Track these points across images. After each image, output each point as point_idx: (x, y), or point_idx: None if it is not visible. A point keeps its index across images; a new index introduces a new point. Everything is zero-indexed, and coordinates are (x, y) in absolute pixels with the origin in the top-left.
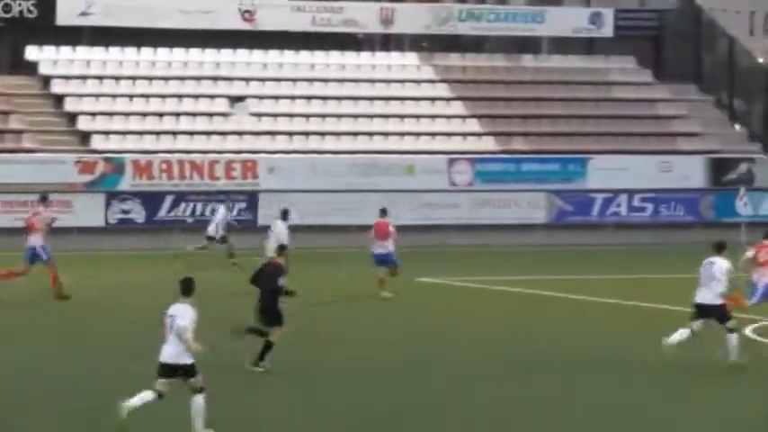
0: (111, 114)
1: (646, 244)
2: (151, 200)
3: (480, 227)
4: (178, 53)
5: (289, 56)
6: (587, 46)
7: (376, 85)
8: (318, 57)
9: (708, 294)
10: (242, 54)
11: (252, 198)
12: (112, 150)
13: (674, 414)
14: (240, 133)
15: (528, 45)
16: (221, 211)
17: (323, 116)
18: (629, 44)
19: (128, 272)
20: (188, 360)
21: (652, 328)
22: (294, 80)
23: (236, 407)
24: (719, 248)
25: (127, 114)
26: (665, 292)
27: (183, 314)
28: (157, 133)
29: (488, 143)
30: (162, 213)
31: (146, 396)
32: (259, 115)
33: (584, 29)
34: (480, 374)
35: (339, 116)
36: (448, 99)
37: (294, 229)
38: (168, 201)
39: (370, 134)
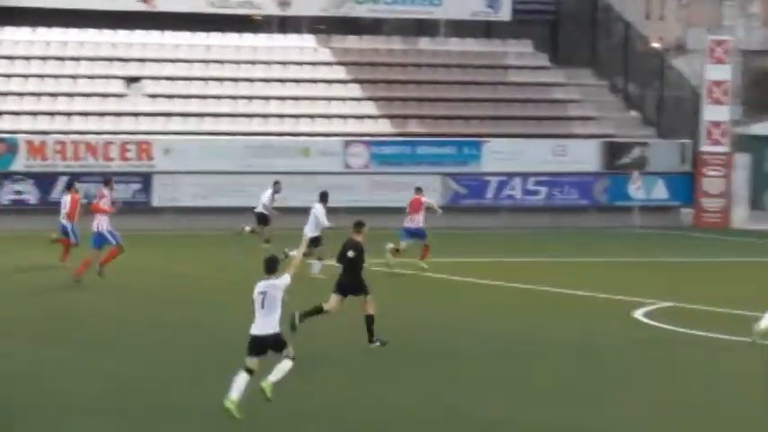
0: (4, 94)
1: (540, 227)
2: (44, 181)
3: (376, 209)
4: (74, 33)
5: (185, 37)
6: (484, 29)
7: (273, 67)
8: (215, 38)
9: None
10: (138, 35)
11: (146, 180)
12: (6, 131)
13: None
14: (135, 114)
15: (425, 28)
16: (268, 191)
17: (219, 98)
18: (526, 28)
19: (19, 253)
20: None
21: (549, 310)
22: (190, 61)
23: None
24: None
25: (21, 95)
26: (559, 275)
27: (274, 284)
28: (52, 114)
29: (384, 126)
30: (55, 195)
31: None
32: (155, 96)
33: (482, 12)
34: (392, 365)
35: (235, 98)
36: (344, 81)
37: (191, 211)
38: (62, 182)
39: (266, 116)
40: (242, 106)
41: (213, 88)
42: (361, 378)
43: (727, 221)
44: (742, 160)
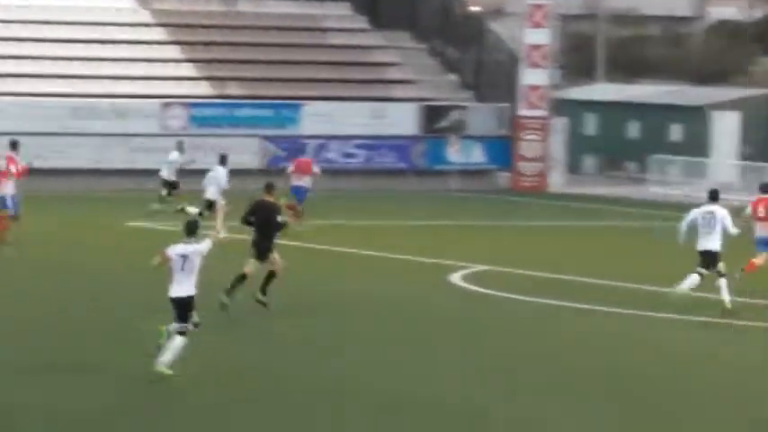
0: None
1: (358, 190)
2: None
3: (194, 172)
4: None
5: None
6: None
7: (91, 27)
8: None
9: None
10: None
11: None
12: None
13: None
14: None
15: None
16: (174, 154)
17: (36, 58)
18: None
19: None
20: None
21: (364, 273)
22: (6, 22)
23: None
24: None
25: None
26: (375, 238)
27: (196, 249)
28: None
29: (204, 88)
30: None
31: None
32: None
33: None
34: None
35: (53, 59)
36: (164, 43)
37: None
38: None
39: (84, 77)
40: (60, 67)
41: (30, 48)
42: None
43: (544, 185)
44: (559, 124)
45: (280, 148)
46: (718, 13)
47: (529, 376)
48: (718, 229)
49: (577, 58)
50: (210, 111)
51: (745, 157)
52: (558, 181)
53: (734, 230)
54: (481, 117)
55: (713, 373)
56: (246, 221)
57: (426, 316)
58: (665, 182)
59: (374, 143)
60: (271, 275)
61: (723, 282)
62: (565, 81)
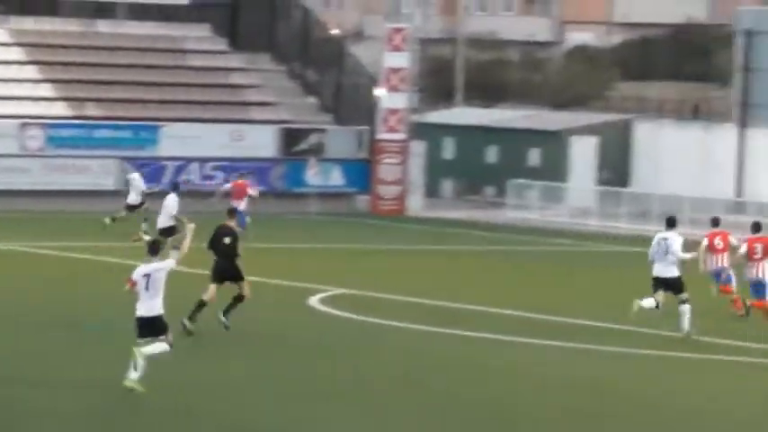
0: None
1: (217, 212)
2: None
3: (52, 193)
4: None
5: None
6: (163, 13)
7: None
8: None
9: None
10: None
11: None
12: None
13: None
14: None
15: (103, 10)
16: (136, 176)
17: None
18: (206, 12)
19: None
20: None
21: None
22: None
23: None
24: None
25: None
26: None
27: (158, 267)
28: None
29: (61, 108)
30: None
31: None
32: None
33: None
34: None
35: None
36: (22, 63)
37: None
38: None
39: None
40: None
41: None
42: None
43: (402, 209)
44: (418, 148)
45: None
46: (577, 38)
47: (370, 399)
48: (671, 256)
49: (437, 81)
50: (68, 132)
51: (602, 182)
52: (416, 205)
53: (683, 256)
54: (340, 140)
55: (570, 397)
56: (210, 246)
57: (281, 338)
58: (523, 206)
59: (233, 165)
60: (238, 299)
61: (685, 308)
62: (424, 105)
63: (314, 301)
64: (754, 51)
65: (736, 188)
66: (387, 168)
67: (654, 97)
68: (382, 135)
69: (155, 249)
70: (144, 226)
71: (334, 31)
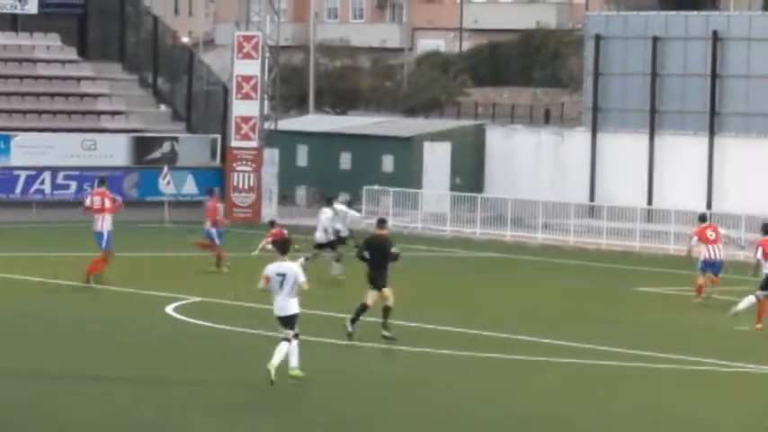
0: None
1: (71, 221)
2: None
3: None
4: None
5: None
6: (11, 23)
7: None
8: None
9: None
10: None
11: None
12: None
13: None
14: None
15: None
16: (327, 211)
17: None
18: (54, 22)
19: None
20: (296, 310)
21: (81, 305)
22: None
23: None
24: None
25: None
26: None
27: (292, 270)
28: None
29: None
30: None
31: (281, 348)
32: None
33: (9, 5)
34: None
35: None
36: None
37: None
38: None
39: None
40: None
41: None
42: None
43: (257, 216)
44: (271, 155)
45: None
46: (428, 44)
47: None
48: None
49: (289, 89)
50: None
51: (456, 188)
52: (271, 212)
53: None
54: (193, 148)
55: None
56: (361, 257)
57: (136, 346)
58: (377, 213)
59: (86, 174)
60: (386, 310)
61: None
62: (276, 112)
63: (170, 309)
64: (604, 56)
65: (589, 192)
66: (240, 176)
67: (506, 102)
68: (235, 143)
69: (283, 249)
70: None
71: (185, 40)
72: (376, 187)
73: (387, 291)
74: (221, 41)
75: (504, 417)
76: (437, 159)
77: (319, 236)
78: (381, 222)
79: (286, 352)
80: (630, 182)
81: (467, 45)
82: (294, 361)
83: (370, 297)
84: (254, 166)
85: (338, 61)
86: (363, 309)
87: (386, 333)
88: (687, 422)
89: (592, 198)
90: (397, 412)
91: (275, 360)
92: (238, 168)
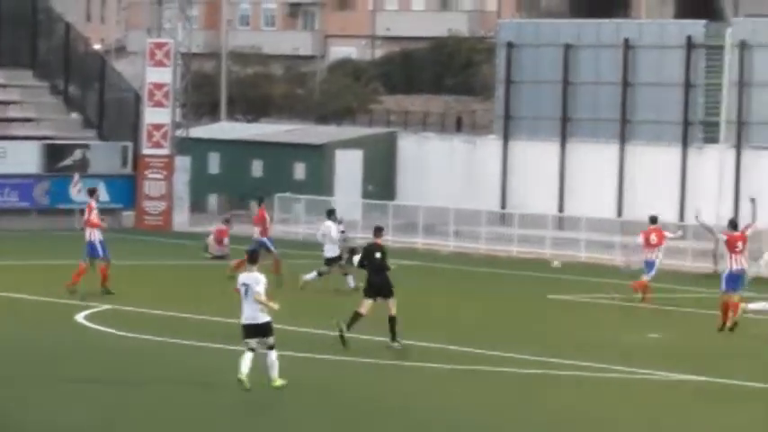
0: None
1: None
2: None
3: None
4: None
5: None
6: None
7: None
8: None
9: None
10: None
11: None
12: None
13: None
14: None
15: None
16: (330, 225)
17: None
18: None
19: None
20: (266, 318)
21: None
22: None
23: None
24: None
25: None
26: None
27: (255, 281)
28: None
29: None
30: None
31: (246, 358)
32: None
33: None
34: None
35: None
36: None
37: None
38: None
39: None
40: None
41: None
42: None
43: (168, 224)
44: (183, 163)
45: None
46: (340, 52)
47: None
48: None
49: (201, 96)
50: None
51: (367, 195)
52: (182, 220)
53: None
54: (104, 156)
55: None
56: (361, 265)
57: (45, 354)
58: (289, 220)
59: None
60: (392, 320)
61: None
62: (188, 119)
63: (80, 317)
64: (516, 64)
65: (500, 200)
66: (152, 184)
67: (417, 110)
68: (147, 150)
69: (253, 259)
70: None
71: (97, 47)
72: (288, 195)
73: (391, 301)
74: (133, 48)
75: (419, 427)
76: (349, 167)
77: (330, 250)
78: (378, 230)
79: (251, 359)
80: (542, 189)
81: (379, 53)
82: (274, 373)
83: (365, 306)
84: (165, 173)
85: (250, 69)
86: (358, 317)
87: (394, 345)
88: (592, 428)
89: (503, 206)
90: (303, 417)
91: (243, 369)
92: (150, 176)
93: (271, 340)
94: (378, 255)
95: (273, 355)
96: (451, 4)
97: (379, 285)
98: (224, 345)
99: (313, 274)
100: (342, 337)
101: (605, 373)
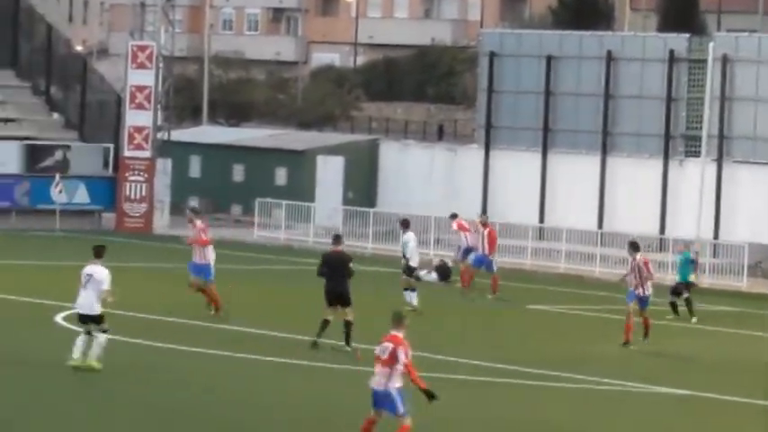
0: None
1: None
2: None
3: None
4: None
5: None
6: None
7: None
8: None
9: None
10: None
11: None
12: None
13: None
14: None
15: None
16: (411, 235)
17: None
18: None
19: None
20: (98, 311)
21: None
22: None
23: None
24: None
25: None
26: None
27: (99, 273)
28: None
29: None
30: None
31: (80, 341)
32: None
33: None
34: None
35: None
36: None
37: None
38: None
39: None
40: None
41: None
42: None
43: (149, 226)
44: (164, 166)
45: None
46: (322, 58)
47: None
48: None
49: (183, 99)
50: None
51: (348, 202)
52: (162, 222)
53: None
54: (85, 157)
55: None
56: (320, 273)
57: (22, 354)
58: (270, 225)
59: None
60: (347, 324)
61: None
62: (170, 123)
63: (60, 318)
64: (498, 74)
65: (481, 209)
66: (132, 186)
67: (399, 118)
68: (128, 152)
69: (99, 253)
70: None
71: (79, 48)
72: (269, 200)
73: (348, 309)
74: (115, 51)
75: None
76: (330, 173)
77: (415, 260)
78: (337, 239)
79: (84, 343)
80: (522, 199)
81: (361, 60)
82: (95, 354)
83: (328, 312)
84: (146, 176)
85: (232, 73)
86: (326, 324)
87: (347, 347)
88: None
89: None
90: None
91: (76, 354)
92: (131, 178)
93: (105, 326)
94: (336, 263)
95: (103, 338)
96: (435, 13)
97: (338, 293)
98: (190, 347)
99: (413, 296)
100: (315, 343)
101: (580, 384)
